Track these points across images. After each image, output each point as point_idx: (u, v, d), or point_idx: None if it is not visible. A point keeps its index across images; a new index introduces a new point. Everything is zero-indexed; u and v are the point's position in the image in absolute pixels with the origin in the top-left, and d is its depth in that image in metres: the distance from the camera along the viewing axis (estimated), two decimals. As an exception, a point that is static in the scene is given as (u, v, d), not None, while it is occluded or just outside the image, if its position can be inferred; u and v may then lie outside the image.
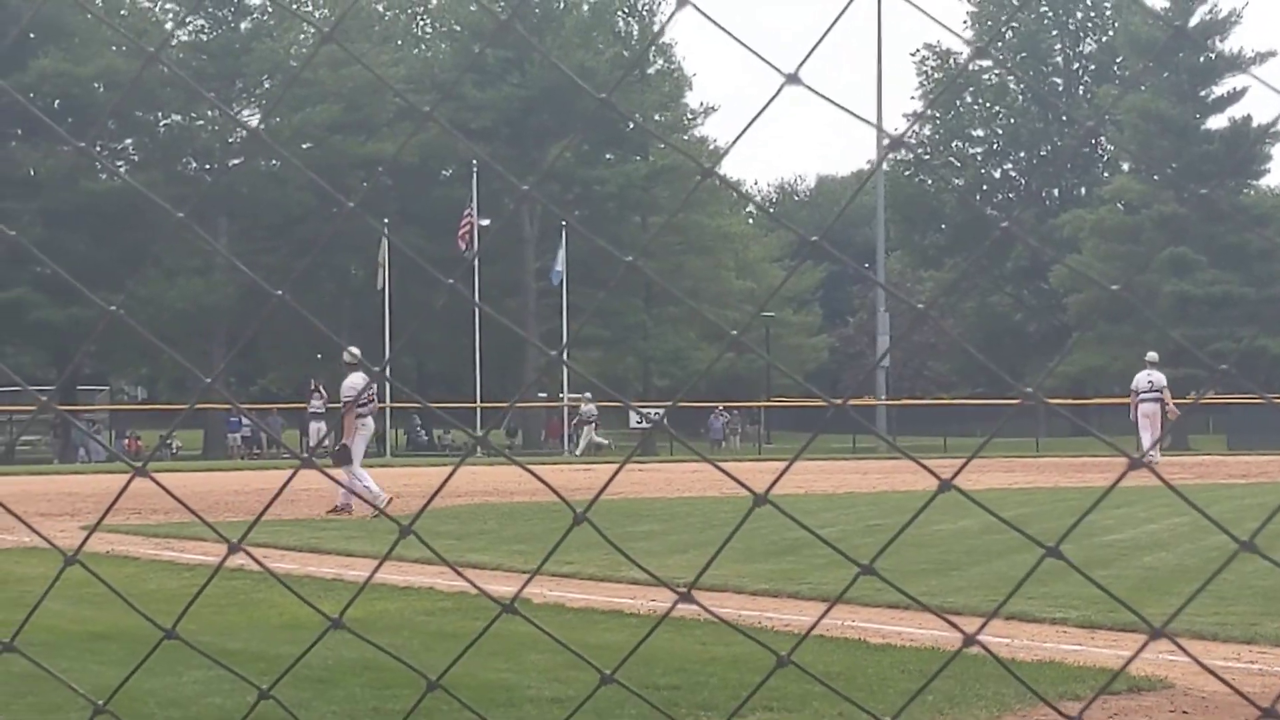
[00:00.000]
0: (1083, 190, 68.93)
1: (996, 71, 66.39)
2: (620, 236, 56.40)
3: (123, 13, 53.46)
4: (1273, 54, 58.61)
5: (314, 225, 52.41)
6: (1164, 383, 28.09)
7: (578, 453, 44.72)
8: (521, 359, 55.41)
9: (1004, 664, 1.68)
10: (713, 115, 66.99)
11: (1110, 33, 68.69)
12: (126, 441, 49.27)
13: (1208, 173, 53.12)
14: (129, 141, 56.97)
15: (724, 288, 61.54)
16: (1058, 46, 71.25)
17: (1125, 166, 65.16)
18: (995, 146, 71.39)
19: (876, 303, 60.03)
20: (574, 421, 48.91)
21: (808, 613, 8.68)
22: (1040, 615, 8.45)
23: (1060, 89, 69.98)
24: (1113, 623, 8.01)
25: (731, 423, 60.64)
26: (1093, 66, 70.99)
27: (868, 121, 1.66)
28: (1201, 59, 56.52)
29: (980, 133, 71.33)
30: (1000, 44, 69.12)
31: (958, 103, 70.19)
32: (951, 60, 68.67)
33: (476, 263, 49.31)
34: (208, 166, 55.41)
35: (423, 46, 64.52)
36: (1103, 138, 64.60)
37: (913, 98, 72.78)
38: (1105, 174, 67.85)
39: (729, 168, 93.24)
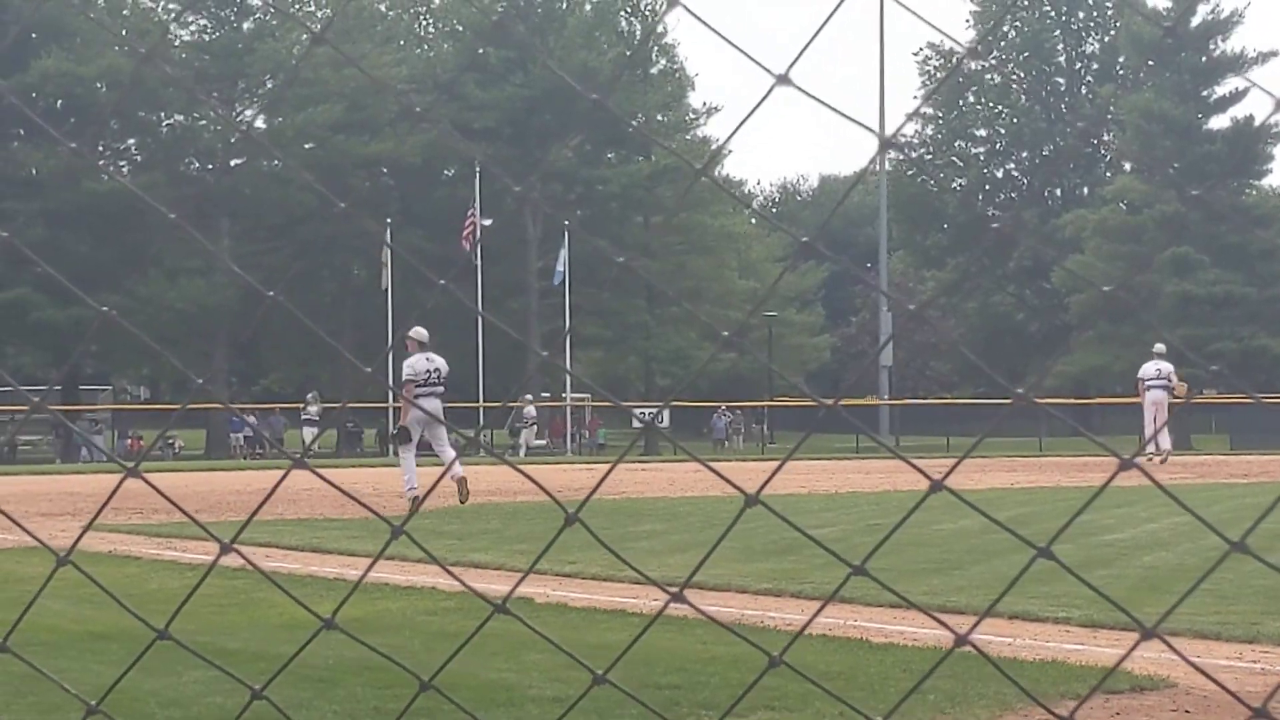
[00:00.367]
0: (1085, 190, 68.85)
1: (998, 71, 66.35)
2: (623, 237, 56.39)
3: (125, 13, 53.45)
4: (1274, 54, 58.64)
5: (317, 226, 52.41)
6: (1171, 370, 28.38)
7: (521, 455, 44.63)
8: (524, 359, 55.40)
9: (995, 663, 1.68)
10: (715, 115, 66.75)
11: (1112, 33, 68.67)
12: (129, 441, 49.22)
13: (1210, 173, 53.08)
14: (131, 141, 56.92)
15: (727, 287, 61.43)
16: (1060, 46, 71.19)
17: (1128, 166, 65.08)
18: (998, 146, 71.32)
19: (879, 303, 60.00)
20: (509, 419, 48.78)
21: (810, 612, 8.66)
22: (1043, 614, 8.44)
23: (1063, 89, 69.96)
24: (1115, 622, 7.99)
25: (735, 422, 60.57)
26: (1095, 66, 70.96)
27: (858, 123, 1.67)
28: (1204, 59, 56.46)
29: (983, 132, 71.25)
30: (1003, 44, 69.09)
31: (960, 102, 70.13)
32: (954, 60, 68.55)
33: (479, 263, 49.32)
34: (210, 167, 55.35)
35: (425, 46, 64.44)
36: (1106, 137, 64.52)
37: (915, 97, 72.76)
38: (1108, 174, 67.76)
39: (731, 168, 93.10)
